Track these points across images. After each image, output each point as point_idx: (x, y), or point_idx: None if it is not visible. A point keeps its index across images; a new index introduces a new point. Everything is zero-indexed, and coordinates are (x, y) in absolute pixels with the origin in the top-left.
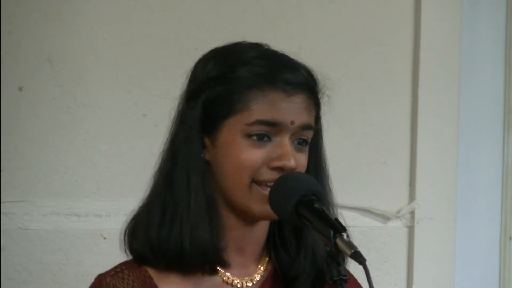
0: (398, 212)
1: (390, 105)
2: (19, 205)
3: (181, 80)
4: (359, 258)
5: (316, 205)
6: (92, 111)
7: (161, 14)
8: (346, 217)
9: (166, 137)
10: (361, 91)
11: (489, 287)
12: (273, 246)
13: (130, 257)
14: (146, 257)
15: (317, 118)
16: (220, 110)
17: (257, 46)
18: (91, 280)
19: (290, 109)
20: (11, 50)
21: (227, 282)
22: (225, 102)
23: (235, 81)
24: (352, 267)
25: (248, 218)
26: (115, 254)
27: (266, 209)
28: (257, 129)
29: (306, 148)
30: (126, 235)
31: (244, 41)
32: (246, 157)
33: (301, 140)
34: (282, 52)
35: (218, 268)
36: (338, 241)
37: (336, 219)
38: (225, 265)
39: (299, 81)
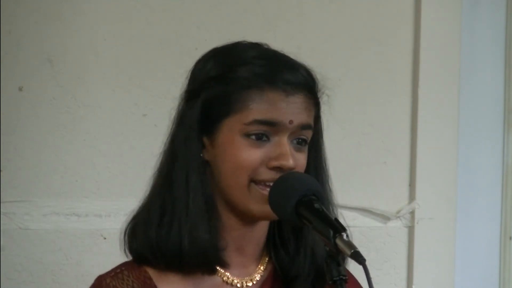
0: (398, 212)
1: (390, 105)
2: (19, 205)
3: (181, 80)
4: (359, 258)
5: (316, 205)
6: (92, 111)
7: (161, 14)
8: (346, 217)
9: (166, 137)
10: (361, 91)
11: (489, 287)
12: (273, 246)
13: (130, 258)
14: (145, 257)
15: (317, 118)
16: (220, 110)
17: (257, 46)
18: (91, 280)
19: (289, 108)
20: (11, 50)
21: (227, 282)
22: (224, 102)
23: (235, 81)
24: (352, 267)
25: (248, 218)
26: (115, 254)
27: (265, 209)
28: (256, 128)
29: (306, 148)
30: (126, 235)
31: (244, 41)
32: (245, 157)
33: (300, 140)
34: (282, 52)
35: (217, 268)
36: (338, 241)
37: (336, 219)
38: (225, 265)
39: (299, 81)
